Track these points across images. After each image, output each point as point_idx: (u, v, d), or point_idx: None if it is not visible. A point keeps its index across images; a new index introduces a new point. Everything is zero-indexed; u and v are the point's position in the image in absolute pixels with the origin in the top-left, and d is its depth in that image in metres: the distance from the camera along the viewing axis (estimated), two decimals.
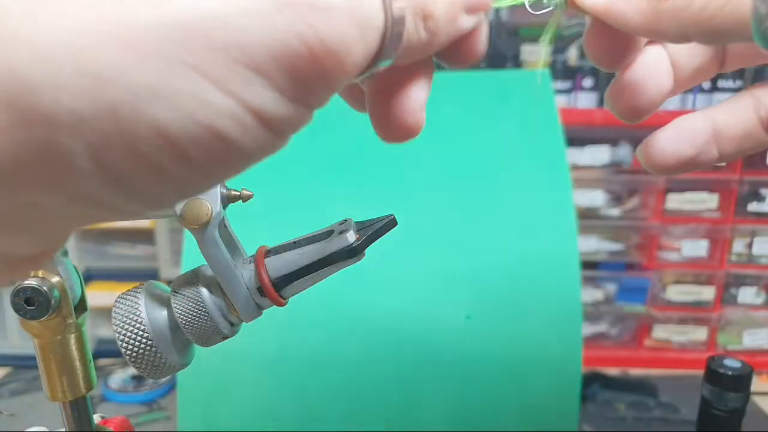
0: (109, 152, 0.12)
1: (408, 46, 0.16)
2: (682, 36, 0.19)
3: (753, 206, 0.83)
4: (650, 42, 0.23)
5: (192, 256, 0.51)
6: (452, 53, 0.19)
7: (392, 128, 0.19)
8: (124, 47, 0.12)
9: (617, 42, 0.22)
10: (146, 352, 0.24)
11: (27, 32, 0.11)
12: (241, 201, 0.25)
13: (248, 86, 0.13)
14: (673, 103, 0.83)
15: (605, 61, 0.23)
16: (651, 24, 0.19)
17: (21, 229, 0.13)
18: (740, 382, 0.48)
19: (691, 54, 0.24)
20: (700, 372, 0.51)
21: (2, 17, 0.11)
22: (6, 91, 0.11)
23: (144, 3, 0.12)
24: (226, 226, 0.25)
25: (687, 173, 0.24)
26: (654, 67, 0.23)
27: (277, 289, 0.25)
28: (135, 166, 0.12)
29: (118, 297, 0.25)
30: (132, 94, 0.12)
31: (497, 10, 0.83)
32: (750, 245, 0.85)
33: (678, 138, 0.23)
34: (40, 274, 0.24)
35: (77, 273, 0.26)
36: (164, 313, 0.25)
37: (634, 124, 0.25)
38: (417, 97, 0.19)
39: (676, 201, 0.83)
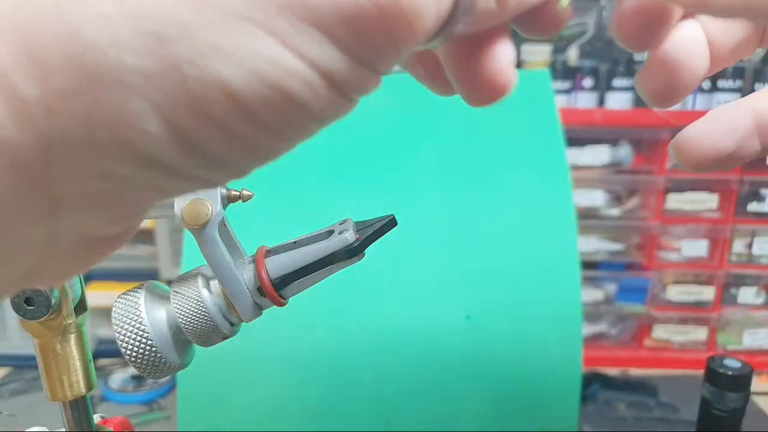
0: (177, 112, 0.12)
1: (477, 14, 0.15)
2: (731, 9, 0.16)
3: (753, 206, 0.83)
4: (684, 16, 0.21)
5: (192, 256, 0.51)
6: (533, 21, 0.18)
7: (484, 91, 0.19)
8: (187, 4, 0.11)
9: (650, 19, 0.20)
10: (146, 352, 0.24)
11: None
12: (241, 201, 0.25)
13: (316, 45, 0.12)
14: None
15: (637, 41, 0.20)
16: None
17: (97, 204, 0.13)
18: (740, 382, 0.48)
19: (729, 30, 0.22)
20: (700, 372, 0.51)
21: None
22: (71, 53, 0.11)
23: None
24: (226, 226, 0.25)
25: (726, 170, 0.22)
26: (690, 44, 0.21)
27: (277, 289, 0.25)
28: (204, 127, 0.12)
29: (118, 297, 0.25)
30: (196, 52, 0.11)
31: None
32: (750, 245, 0.85)
33: (716, 130, 0.21)
34: None
35: None
36: (164, 313, 0.25)
37: (665, 108, 0.22)
38: (505, 56, 0.18)
39: (676, 201, 0.83)
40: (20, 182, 0.12)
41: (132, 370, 0.78)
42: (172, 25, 0.11)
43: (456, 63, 0.19)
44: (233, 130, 0.12)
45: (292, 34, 0.12)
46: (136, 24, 0.11)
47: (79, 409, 0.27)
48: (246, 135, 0.13)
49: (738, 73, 0.79)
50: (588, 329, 0.89)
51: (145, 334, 0.24)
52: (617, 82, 0.83)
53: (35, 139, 0.11)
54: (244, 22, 0.12)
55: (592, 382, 0.79)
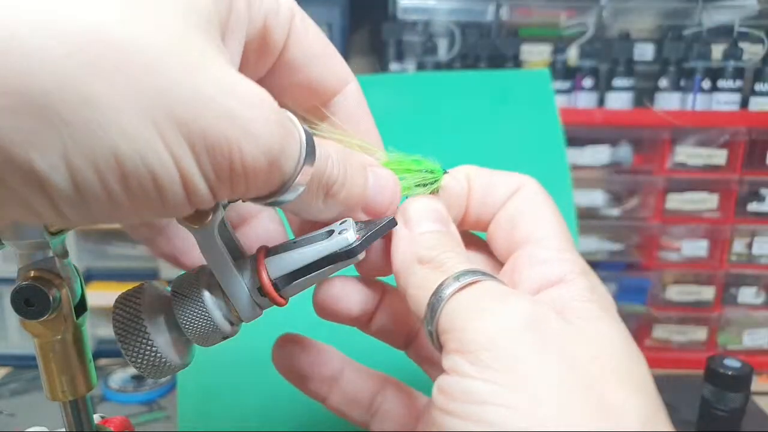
0: (78, 160, 0.16)
1: (306, 204, 0.23)
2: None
3: (753, 206, 0.83)
4: None
5: None
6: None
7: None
8: (126, 97, 0.16)
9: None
10: (146, 353, 0.24)
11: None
12: (241, 201, 0.25)
13: (185, 157, 0.18)
14: (672, 103, 0.82)
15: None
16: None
17: None
18: (740, 382, 0.48)
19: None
20: (700, 372, 0.51)
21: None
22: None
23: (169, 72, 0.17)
24: (226, 226, 0.25)
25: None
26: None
27: (277, 289, 0.25)
28: (93, 177, 0.17)
29: (118, 297, 0.25)
30: (113, 128, 0.16)
31: (498, 9, 0.83)
32: (750, 245, 0.85)
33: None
34: (40, 274, 0.24)
35: (77, 273, 0.26)
36: (164, 313, 0.25)
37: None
38: None
39: (676, 201, 0.83)
40: None
41: (132, 370, 0.78)
42: (107, 110, 0.16)
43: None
44: (111, 189, 0.17)
45: (176, 144, 0.17)
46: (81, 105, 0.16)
47: (79, 409, 0.27)
48: (117, 196, 0.17)
49: (738, 73, 0.79)
50: None
51: (146, 335, 0.24)
52: (617, 82, 0.83)
53: None
54: (153, 124, 0.17)
55: None
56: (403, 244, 0.26)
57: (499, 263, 0.29)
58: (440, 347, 0.23)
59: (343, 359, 0.32)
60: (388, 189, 0.26)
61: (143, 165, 0.17)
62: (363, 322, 0.30)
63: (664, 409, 0.23)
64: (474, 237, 0.31)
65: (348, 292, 0.28)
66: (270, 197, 0.22)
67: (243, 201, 0.22)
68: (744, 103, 0.81)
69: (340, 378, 0.32)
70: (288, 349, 0.31)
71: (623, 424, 0.20)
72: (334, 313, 0.29)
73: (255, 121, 0.19)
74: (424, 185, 0.28)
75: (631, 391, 0.21)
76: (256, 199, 0.22)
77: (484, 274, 0.24)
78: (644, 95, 0.85)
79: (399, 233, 0.26)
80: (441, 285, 0.23)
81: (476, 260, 0.30)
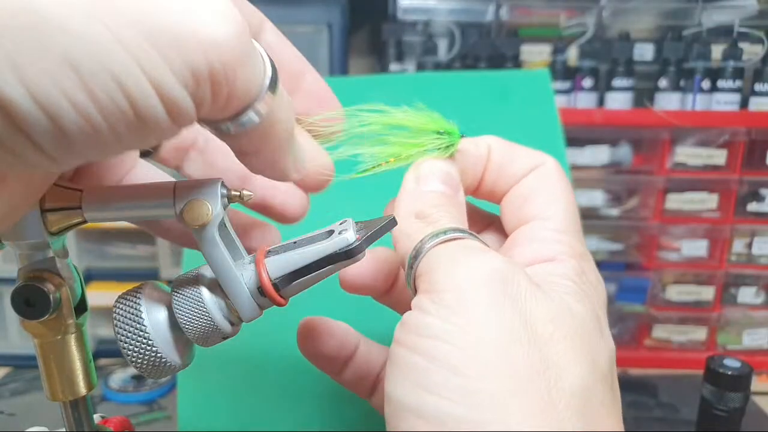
0: (30, 70, 0.15)
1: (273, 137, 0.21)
2: None
3: (753, 206, 0.83)
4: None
5: (192, 256, 0.51)
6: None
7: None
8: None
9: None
10: (147, 353, 0.24)
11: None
12: (241, 201, 0.25)
13: (147, 55, 0.16)
14: (672, 103, 0.83)
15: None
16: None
17: None
18: (740, 382, 0.48)
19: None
20: (700, 372, 0.51)
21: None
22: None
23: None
24: (226, 226, 0.25)
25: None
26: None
27: (278, 289, 0.25)
28: (53, 89, 0.15)
29: (118, 297, 0.25)
30: (58, 27, 0.15)
31: (498, 9, 0.83)
32: (750, 245, 0.85)
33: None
34: (40, 274, 0.24)
35: (77, 273, 0.26)
36: (164, 313, 0.25)
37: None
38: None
39: (675, 201, 0.83)
40: None
41: (132, 370, 0.78)
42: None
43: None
44: (77, 103, 0.15)
45: (134, 44, 0.16)
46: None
47: (79, 409, 0.27)
48: (88, 112, 0.16)
49: (737, 73, 0.79)
50: None
51: (146, 335, 0.24)
52: (617, 82, 0.83)
53: None
54: (96, 21, 0.15)
55: None
56: (408, 198, 0.27)
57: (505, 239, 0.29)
58: (415, 292, 0.24)
59: (357, 337, 0.33)
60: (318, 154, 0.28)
61: (102, 68, 0.15)
62: (383, 292, 0.31)
63: (613, 391, 0.23)
64: (488, 214, 0.32)
65: (371, 266, 0.30)
66: (242, 113, 0.20)
67: (215, 124, 0.20)
68: (744, 104, 0.81)
69: (355, 355, 0.32)
70: (314, 335, 0.32)
71: (559, 384, 0.20)
72: (358, 286, 0.30)
73: (218, 18, 0.17)
74: (439, 149, 0.28)
75: (579, 359, 0.21)
76: (227, 120, 0.20)
77: (470, 234, 0.25)
78: (644, 95, 0.85)
79: (407, 187, 0.28)
80: (426, 236, 0.25)
81: (486, 237, 0.30)
